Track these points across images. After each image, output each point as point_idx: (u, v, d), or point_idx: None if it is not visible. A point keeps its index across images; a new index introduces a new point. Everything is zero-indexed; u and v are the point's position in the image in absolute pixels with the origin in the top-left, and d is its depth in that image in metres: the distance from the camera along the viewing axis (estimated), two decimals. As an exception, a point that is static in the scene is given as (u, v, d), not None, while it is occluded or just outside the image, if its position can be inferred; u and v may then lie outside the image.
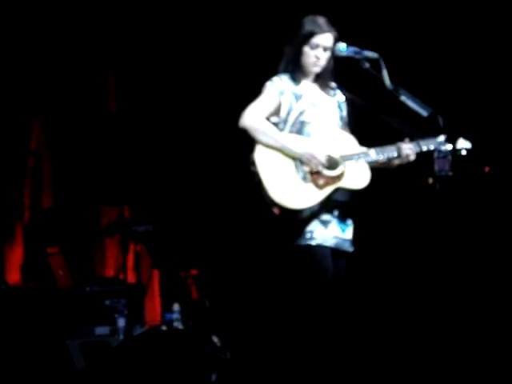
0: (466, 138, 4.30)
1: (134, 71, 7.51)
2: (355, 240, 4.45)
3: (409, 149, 4.34)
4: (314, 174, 4.26)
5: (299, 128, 4.36)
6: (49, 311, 5.94)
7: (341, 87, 4.54)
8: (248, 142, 4.29)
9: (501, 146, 6.07)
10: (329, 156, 4.29)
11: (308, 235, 4.27)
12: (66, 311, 5.98)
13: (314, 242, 4.26)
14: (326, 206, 4.28)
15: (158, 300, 6.80)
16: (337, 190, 4.28)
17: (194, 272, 6.73)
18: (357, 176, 4.31)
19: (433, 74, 6.33)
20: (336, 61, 4.42)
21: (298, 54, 4.40)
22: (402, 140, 4.37)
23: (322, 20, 4.38)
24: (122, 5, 7.39)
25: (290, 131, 4.37)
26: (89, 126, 7.42)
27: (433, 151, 4.31)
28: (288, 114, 4.39)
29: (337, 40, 4.38)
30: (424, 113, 4.28)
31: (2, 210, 7.11)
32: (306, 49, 4.37)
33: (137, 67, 7.50)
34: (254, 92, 4.44)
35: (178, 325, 6.17)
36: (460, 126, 4.30)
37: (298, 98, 4.41)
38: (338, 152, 4.32)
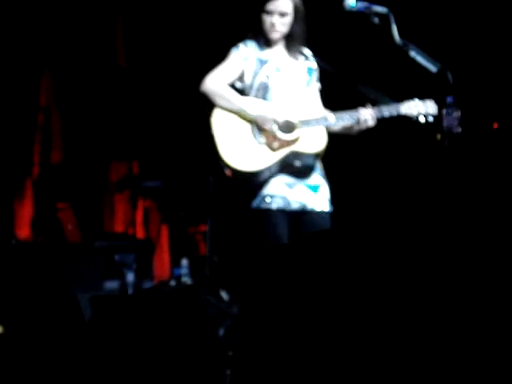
0: (476, 93, 4.30)
1: (143, 25, 7.48)
2: (363, 197, 4.49)
3: (368, 114, 4.41)
4: (270, 138, 4.35)
5: (263, 93, 4.44)
6: (58, 266, 5.98)
7: (315, 55, 4.59)
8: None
9: (510, 102, 6.04)
10: (286, 120, 4.37)
11: (268, 199, 4.34)
12: (76, 266, 6.02)
13: (272, 206, 4.33)
14: (289, 169, 4.37)
15: (166, 255, 6.84)
16: (297, 153, 4.36)
17: (202, 228, 6.75)
18: (312, 140, 4.39)
19: (442, 29, 6.29)
20: (346, 15, 4.41)
21: (257, 22, 4.45)
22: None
23: None
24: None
25: (255, 96, 4.44)
26: (98, 81, 7.40)
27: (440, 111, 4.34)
28: (253, 79, 4.47)
29: (298, 5, 4.42)
30: (433, 68, 4.26)
31: (12, 165, 7.13)
32: (263, 16, 4.42)
33: (146, 21, 7.47)
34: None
35: (187, 280, 6.21)
36: (469, 82, 4.29)
37: (262, 63, 4.47)
38: (297, 116, 4.39)
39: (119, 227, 7.36)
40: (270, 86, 4.45)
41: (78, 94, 7.46)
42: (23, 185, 7.29)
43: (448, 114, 4.22)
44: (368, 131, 4.55)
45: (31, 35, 7.26)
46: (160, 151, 7.20)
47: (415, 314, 2.88)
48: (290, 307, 3.14)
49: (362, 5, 4.35)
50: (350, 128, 4.50)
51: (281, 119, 4.38)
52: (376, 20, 4.33)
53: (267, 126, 4.34)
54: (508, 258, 2.80)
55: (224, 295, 6.09)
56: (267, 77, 4.46)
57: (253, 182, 4.36)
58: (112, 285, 6.05)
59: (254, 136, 4.37)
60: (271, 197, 4.35)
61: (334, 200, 4.68)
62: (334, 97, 4.58)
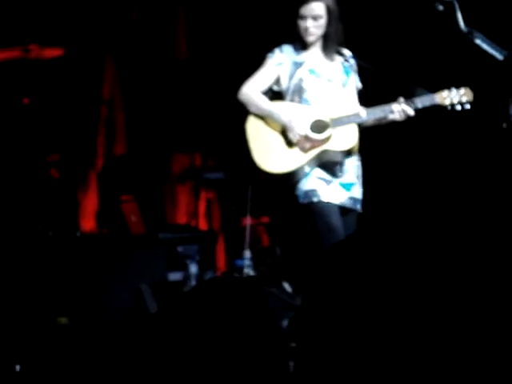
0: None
1: (204, 18, 7.49)
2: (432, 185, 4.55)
3: (400, 109, 4.54)
4: (301, 139, 4.51)
5: (299, 95, 4.62)
6: (122, 257, 6.02)
7: (354, 55, 4.71)
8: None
9: None
10: (317, 120, 4.52)
11: (310, 193, 4.50)
12: (140, 257, 6.05)
13: (316, 199, 4.48)
14: (322, 167, 4.53)
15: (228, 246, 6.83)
16: (328, 151, 4.51)
17: (265, 219, 6.74)
18: (343, 137, 4.54)
19: (508, 17, 6.17)
20: (410, 4, 4.39)
21: (293, 27, 4.59)
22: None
23: None
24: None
25: (291, 99, 4.62)
26: (160, 73, 7.43)
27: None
28: (289, 82, 4.64)
29: (331, 7, 4.54)
30: (500, 56, 4.20)
31: (77, 158, 7.20)
32: (297, 20, 4.56)
33: (207, 14, 7.47)
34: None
35: (249, 271, 6.20)
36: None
37: (297, 66, 4.63)
38: (329, 115, 4.52)
39: (182, 219, 7.39)
40: (305, 87, 4.60)
41: (141, 85, 7.49)
42: (87, 177, 7.35)
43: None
44: (423, 123, 4.65)
45: (94, 28, 7.31)
46: (222, 143, 7.20)
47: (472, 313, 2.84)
48: (352, 299, 3.12)
49: (425, -8, 4.32)
50: (379, 120, 4.63)
51: (312, 120, 4.53)
52: (440, 7, 4.28)
53: (295, 131, 4.50)
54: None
55: (287, 287, 6.08)
56: (301, 79, 4.62)
57: (287, 183, 4.56)
58: (175, 276, 6.07)
59: (286, 139, 4.55)
60: (313, 191, 4.50)
61: (393, 194, 4.75)
62: (373, 94, 4.68)
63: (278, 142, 4.57)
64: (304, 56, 4.66)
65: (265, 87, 4.65)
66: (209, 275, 6.09)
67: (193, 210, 7.10)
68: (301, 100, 4.60)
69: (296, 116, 4.54)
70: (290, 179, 4.55)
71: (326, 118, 4.53)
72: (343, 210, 4.61)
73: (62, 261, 5.87)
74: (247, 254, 6.27)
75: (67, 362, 4.48)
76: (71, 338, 4.99)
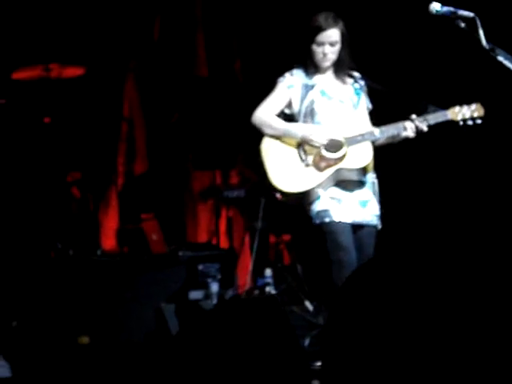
0: None
1: (223, 35, 7.50)
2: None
3: (413, 126, 4.61)
4: (316, 158, 4.58)
5: (311, 117, 4.68)
6: (143, 276, 6.01)
7: (363, 77, 4.78)
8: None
9: None
10: (331, 139, 4.58)
11: (323, 214, 4.57)
12: (160, 276, 6.04)
13: (328, 219, 4.56)
14: (337, 185, 4.60)
15: (250, 265, 6.80)
16: (343, 170, 4.58)
17: (285, 237, 6.71)
18: (358, 155, 4.60)
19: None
20: (431, 20, 4.38)
21: (307, 52, 4.67)
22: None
23: (325, 16, 4.63)
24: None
25: (304, 121, 4.70)
26: (180, 91, 7.44)
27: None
28: (300, 105, 4.69)
29: (344, 32, 4.63)
30: (522, 72, 4.17)
31: (98, 176, 7.21)
32: (313, 47, 4.64)
33: (227, 30, 7.48)
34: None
35: (271, 289, 6.17)
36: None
37: (308, 89, 4.70)
38: (343, 134, 4.59)
39: (203, 237, 7.37)
40: (316, 110, 4.67)
41: (161, 103, 7.50)
42: (108, 195, 7.35)
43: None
44: (438, 140, 4.73)
45: (115, 46, 7.33)
46: (242, 160, 7.19)
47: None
48: (377, 318, 3.10)
49: (447, 9, 4.30)
50: (392, 138, 4.70)
51: (327, 139, 4.58)
52: (462, 24, 4.27)
53: (313, 142, 4.57)
54: None
55: (308, 305, 6.05)
56: (313, 101, 4.69)
57: (302, 203, 4.64)
58: (196, 295, 6.04)
59: (301, 159, 4.63)
60: (325, 211, 4.57)
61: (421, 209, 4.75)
62: (385, 113, 4.74)
63: (293, 161, 4.64)
64: (315, 79, 4.73)
65: (277, 110, 4.71)
66: (230, 294, 6.06)
67: (213, 228, 7.08)
68: (313, 122, 4.68)
69: (310, 134, 4.61)
70: (306, 199, 4.62)
71: (340, 137, 4.59)
72: (359, 226, 4.66)
73: (83, 280, 5.86)
74: (268, 272, 6.25)
75: (88, 382, 4.47)
76: (92, 358, 4.98)
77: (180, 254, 6.23)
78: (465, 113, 4.63)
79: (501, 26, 5.67)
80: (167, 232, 6.74)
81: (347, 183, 4.62)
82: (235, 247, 6.79)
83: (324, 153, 4.57)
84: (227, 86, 7.40)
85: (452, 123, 4.66)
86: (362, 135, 4.60)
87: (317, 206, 4.59)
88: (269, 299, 5.50)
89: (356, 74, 4.79)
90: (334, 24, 4.61)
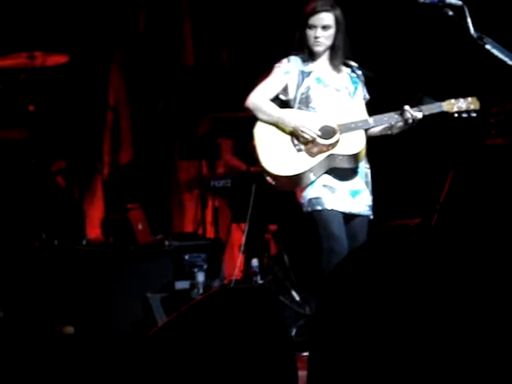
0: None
1: (211, 24, 7.47)
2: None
3: (408, 113, 4.59)
4: (309, 144, 4.59)
5: (305, 104, 4.69)
6: (129, 266, 5.98)
7: (360, 67, 4.79)
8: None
9: None
10: (325, 125, 4.60)
11: (314, 201, 4.57)
12: (146, 266, 6.01)
13: (320, 207, 4.56)
14: (329, 172, 4.60)
15: (236, 255, 6.78)
16: (335, 156, 4.58)
17: (272, 227, 6.69)
18: (350, 142, 4.61)
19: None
20: (420, 8, 4.36)
21: (302, 37, 4.69)
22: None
23: (322, 2, 4.64)
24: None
25: (299, 108, 4.68)
26: (166, 80, 7.40)
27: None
28: (296, 91, 4.70)
29: (339, 19, 4.64)
30: (510, 62, 4.17)
31: (83, 166, 7.17)
32: (306, 30, 4.66)
33: (214, 20, 7.45)
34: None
35: (257, 280, 6.15)
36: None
37: (305, 75, 4.72)
38: (336, 121, 4.61)
39: (189, 227, 7.35)
40: (312, 96, 4.69)
41: (146, 92, 7.47)
42: (93, 185, 7.32)
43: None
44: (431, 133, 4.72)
45: (100, 34, 7.29)
46: (230, 148, 7.16)
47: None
48: (367, 306, 3.08)
49: (435, -3, 4.28)
50: (387, 128, 4.70)
51: (320, 125, 4.60)
52: (450, 12, 4.26)
53: (305, 135, 4.57)
54: None
55: (295, 295, 6.04)
56: (309, 87, 4.70)
57: (292, 188, 4.65)
58: (183, 285, 6.02)
59: (294, 144, 4.64)
60: (316, 199, 4.57)
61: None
62: (380, 103, 4.74)
63: (285, 146, 4.64)
64: (311, 66, 4.74)
65: (272, 95, 4.72)
66: (216, 283, 6.04)
67: (200, 217, 7.05)
68: (308, 108, 4.69)
69: (306, 120, 4.61)
70: (298, 185, 4.61)
71: (334, 124, 4.60)
72: (351, 215, 4.66)
73: (68, 270, 5.83)
74: (254, 262, 6.22)
75: (72, 372, 4.44)
76: (77, 348, 4.95)
77: (166, 243, 6.21)
78: (460, 105, 4.63)
79: (490, 16, 5.68)
80: (153, 222, 6.72)
81: (339, 171, 4.62)
82: (221, 237, 6.76)
83: (316, 139, 4.58)
84: (214, 75, 7.37)
85: (447, 115, 4.66)
86: (356, 123, 4.61)
87: (309, 193, 4.59)
88: (256, 288, 5.49)
89: (353, 64, 4.79)
90: (329, 8, 4.63)
